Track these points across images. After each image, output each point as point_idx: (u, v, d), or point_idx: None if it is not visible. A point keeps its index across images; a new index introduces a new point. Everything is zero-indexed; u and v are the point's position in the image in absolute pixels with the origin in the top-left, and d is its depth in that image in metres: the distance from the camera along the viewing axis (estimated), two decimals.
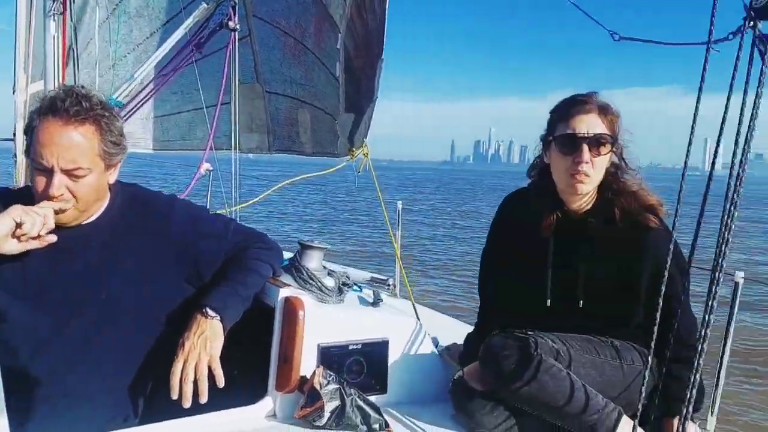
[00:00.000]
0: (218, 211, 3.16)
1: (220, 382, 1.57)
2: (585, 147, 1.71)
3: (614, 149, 1.77)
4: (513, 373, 1.63)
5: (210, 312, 1.61)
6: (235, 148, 3.01)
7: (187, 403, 1.52)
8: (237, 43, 2.96)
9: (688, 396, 1.16)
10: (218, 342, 1.60)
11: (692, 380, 1.18)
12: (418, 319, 2.25)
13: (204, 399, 1.54)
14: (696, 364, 1.15)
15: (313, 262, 1.91)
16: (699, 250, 1.29)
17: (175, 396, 1.52)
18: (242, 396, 1.74)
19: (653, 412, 1.61)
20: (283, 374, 1.72)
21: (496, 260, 2.04)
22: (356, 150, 2.92)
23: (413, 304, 2.47)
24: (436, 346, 2.15)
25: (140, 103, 2.69)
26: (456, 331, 2.32)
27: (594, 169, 1.73)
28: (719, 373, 1.79)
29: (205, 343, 1.57)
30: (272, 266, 1.81)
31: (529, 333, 1.71)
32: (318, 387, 1.65)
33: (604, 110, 1.76)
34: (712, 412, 1.79)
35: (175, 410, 1.54)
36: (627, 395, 1.71)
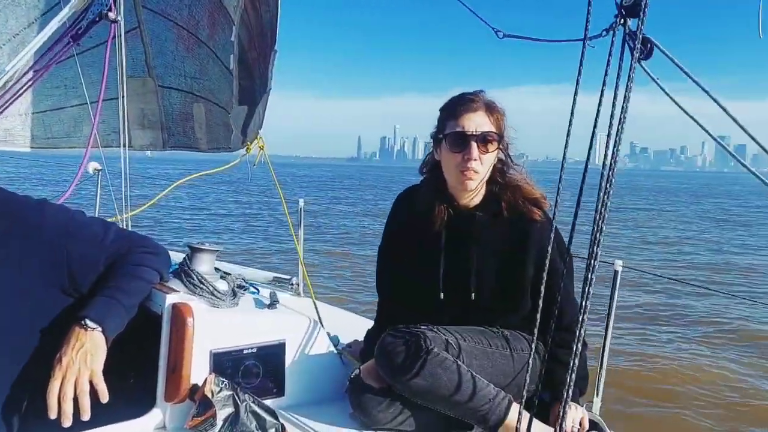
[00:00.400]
0: (110, 217, 2.98)
1: (104, 397, 1.48)
2: (473, 144, 1.76)
3: (501, 146, 1.83)
4: (404, 367, 1.65)
5: (90, 323, 1.51)
6: (124, 146, 2.84)
7: (67, 422, 1.43)
8: (123, 36, 2.79)
9: (568, 380, 1.19)
10: (100, 355, 1.50)
11: (572, 365, 1.21)
12: (319, 318, 2.23)
13: (86, 416, 1.45)
14: (575, 348, 1.18)
15: (204, 265, 1.84)
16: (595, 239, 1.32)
17: (53, 415, 1.43)
18: (130, 409, 1.65)
19: (537, 396, 1.68)
20: (173, 384, 1.64)
21: (391, 256, 2.06)
22: (251, 143, 2.82)
23: (314, 303, 2.43)
24: (337, 345, 2.14)
25: (12, 99, 2.48)
26: (359, 328, 2.32)
27: (482, 165, 1.78)
28: (602, 355, 1.89)
29: (86, 357, 1.48)
30: (158, 271, 1.72)
31: (422, 327, 1.73)
32: (210, 395, 1.59)
33: (491, 108, 1.81)
34: (597, 393, 1.88)
35: (56, 429, 1.44)
36: (517, 383, 1.77)
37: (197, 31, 3.15)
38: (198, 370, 1.66)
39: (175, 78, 3.33)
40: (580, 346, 1.17)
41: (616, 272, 1.86)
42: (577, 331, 1.18)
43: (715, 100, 1.21)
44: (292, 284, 3.17)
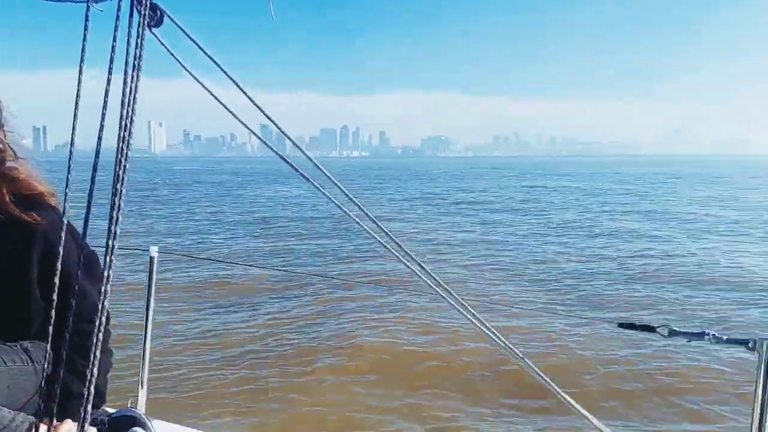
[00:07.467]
0: None
1: None
2: None
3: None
4: None
5: None
6: None
7: None
8: None
9: (86, 394, 1.01)
10: None
11: (89, 376, 1.04)
12: None
13: None
14: (93, 357, 1.00)
15: None
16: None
17: None
18: None
19: (54, 403, 1.46)
20: None
21: None
22: None
23: None
24: None
25: None
26: None
27: None
28: (144, 346, 1.77)
29: None
30: None
31: None
32: None
33: None
34: (141, 386, 1.76)
35: None
36: (43, 397, 1.51)
37: None
38: None
39: None
40: (98, 353, 1.00)
41: (152, 258, 1.75)
42: (95, 336, 1.00)
43: (228, 76, 1.21)
44: None
